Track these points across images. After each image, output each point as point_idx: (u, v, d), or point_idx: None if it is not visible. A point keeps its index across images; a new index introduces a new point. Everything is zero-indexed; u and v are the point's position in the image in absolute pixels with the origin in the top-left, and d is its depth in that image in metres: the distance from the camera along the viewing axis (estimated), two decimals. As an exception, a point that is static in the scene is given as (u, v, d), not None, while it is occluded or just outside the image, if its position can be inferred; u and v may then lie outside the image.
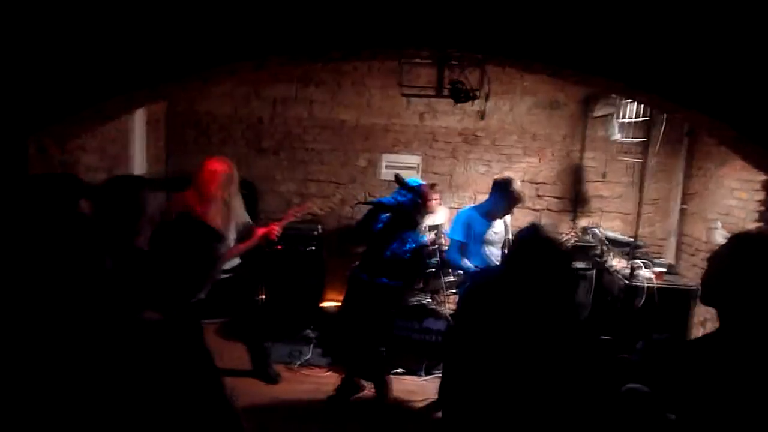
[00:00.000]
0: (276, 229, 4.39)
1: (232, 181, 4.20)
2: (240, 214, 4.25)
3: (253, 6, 2.55)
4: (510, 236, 4.59)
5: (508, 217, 4.57)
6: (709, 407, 1.72)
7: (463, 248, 4.37)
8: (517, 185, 4.28)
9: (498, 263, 4.35)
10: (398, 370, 4.86)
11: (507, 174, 4.54)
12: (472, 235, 4.34)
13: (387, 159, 6.45)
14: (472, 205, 4.59)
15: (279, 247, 5.32)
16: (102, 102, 2.71)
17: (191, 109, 6.42)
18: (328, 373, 4.90)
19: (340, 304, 5.49)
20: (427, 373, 4.85)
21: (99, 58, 2.61)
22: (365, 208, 4.55)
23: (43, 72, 2.61)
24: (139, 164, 5.60)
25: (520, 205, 4.47)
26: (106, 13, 2.57)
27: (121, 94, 2.70)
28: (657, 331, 4.27)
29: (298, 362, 5.08)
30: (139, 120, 5.55)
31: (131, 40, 2.59)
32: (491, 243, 4.39)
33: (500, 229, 4.47)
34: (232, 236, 4.18)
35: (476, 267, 4.31)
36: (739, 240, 1.90)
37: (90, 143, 4.34)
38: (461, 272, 4.62)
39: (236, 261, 4.40)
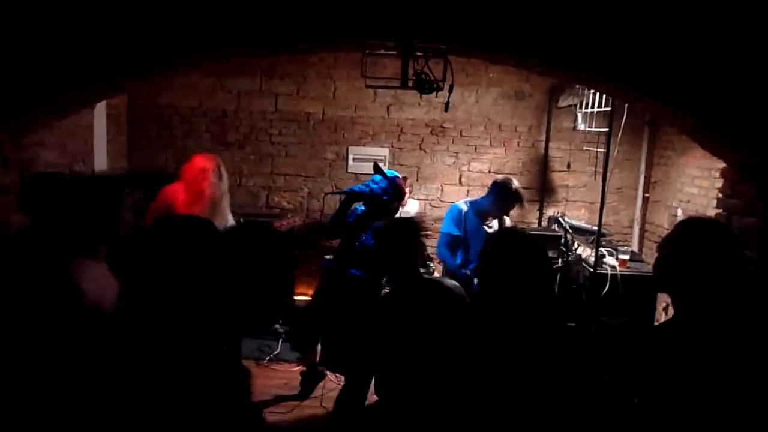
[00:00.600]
0: None
1: (222, 179, 4.05)
2: (226, 215, 4.09)
3: (214, -4, 2.50)
4: None
5: (506, 219, 4.47)
6: (668, 393, 1.75)
7: (454, 243, 4.25)
8: (517, 186, 4.18)
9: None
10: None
11: (508, 176, 4.42)
12: (465, 231, 4.22)
13: (354, 151, 6.43)
14: (465, 200, 4.46)
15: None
16: (59, 96, 2.62)
17: (153, 102, 6.29)
18: (297, 368, 4.87)
19: (309, 298, 5.49)
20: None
21: (55, 51, 2.52)
22: (333, 200, 4.52)
23: (-5, 65, 2.52)
24: (100, 160, 5.47)
25: (520, 207, 4.38)
26: (62, 4, 2.49)
27: (79, 87, 2.62)
28: (617, 317, 4.34)
29: (268, 357, 5.05)
30: (99, 114, 5.41)
31: (89, 32, 2.52)
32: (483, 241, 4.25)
33: (492, 228, 4.33)
34: None
35: (462, 266, 4.21)
36: (684, 225, 1.94)
37: (49, 139, 4.21)
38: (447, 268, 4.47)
39: None
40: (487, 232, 4.28)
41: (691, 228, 1.89)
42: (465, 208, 4.25)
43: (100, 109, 5.41)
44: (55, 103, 2.70)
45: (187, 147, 6.35)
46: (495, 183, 4.28)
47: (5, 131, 2.76)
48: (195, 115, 6.35)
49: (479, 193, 4.99)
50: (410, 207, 5.88)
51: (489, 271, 1.99)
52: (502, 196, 4.18)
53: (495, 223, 4.35)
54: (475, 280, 4.14)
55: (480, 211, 4.25)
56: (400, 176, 4.21)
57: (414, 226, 2.80)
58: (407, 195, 5.67)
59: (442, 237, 4.36)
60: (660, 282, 1.91)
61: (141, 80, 3.53)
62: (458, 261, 4.27)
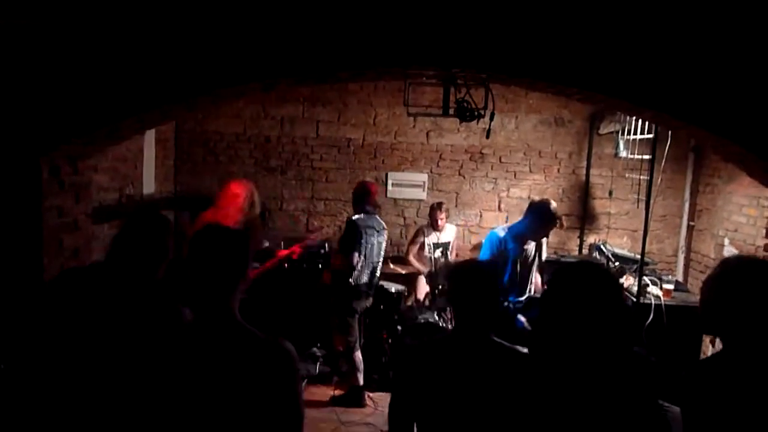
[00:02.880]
0: (298, 250, 4.44)
1: (253, 205, 4.22)
2: (258, 240, 4.26)
3: (261, 28, 2.60)
4: (543, 258, 4.45)
5: (544, 243, 4.42)
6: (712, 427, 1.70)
7: None
8: (553, 206, 4.12)
9: (527, 286, 4.25)
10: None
11: (545, 197, 4.38)
12: (505, 257, 4.10)
13: (394, 177, 6.49)
14: (502, 226, 4.43)
15: (285, 265, 5.35)
16: (115, 123, 2.76)
17: (200, 128, 6.50)
18: (336, 392, 4.89)
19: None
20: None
21: (112, 79, 2.66)
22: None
23: (57, 92, 2.67)
24: (148, 183, 5.66)
25: (558, 226, 4.34)
26: (118, 34, 2.63)
27: (133, 115, 2.75)
28: (661, 348, 4.20)
29: (305, 380, 5.08)
30: (149, 139, 5.62)
31: (143, 62, 2.65)
32: (522, 266, 4.18)
33: (531, 251, 4.28)
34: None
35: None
36: (726, 265, 1.85)
37: (101, 163, 4.39)
38: None
39: None
40: (528, 258, 4.23)
41: (733, 268, 1.81)
42: (503, 234, 4.17)
43: (150, 134, 5.62)
44: (110, 129, 2.83)
45: (231, 171, 6.52)
46: (531, 204, 4.21)
47: (62, 154, 2.90)
48: (239, 141, 6.53)
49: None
50: (448, 232, 5.88)
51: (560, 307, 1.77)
52: (539, 216, 4.09)
53: (532, 246, 4.27)
54: (520, 317, 4.10)
55: (517, 235, 4.16)
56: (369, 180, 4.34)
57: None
58: (443, 221, 5.71)
59: None
60: (706, 324, 1.86)
61: (189, 108, 3.68)
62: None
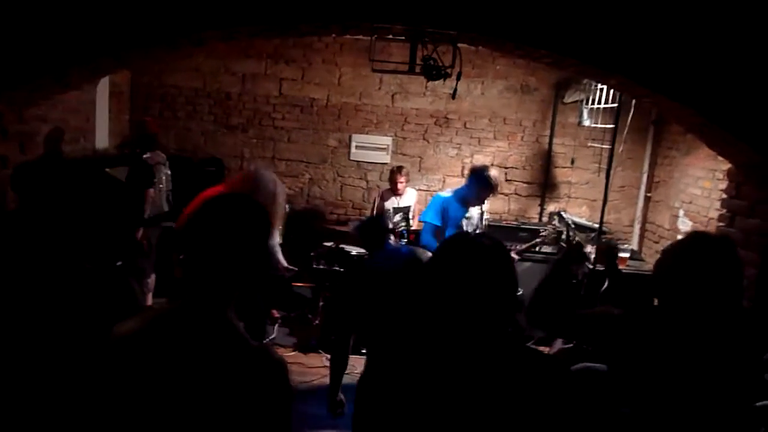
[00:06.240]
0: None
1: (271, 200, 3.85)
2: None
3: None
4: (485, 223, 4.58)
5: (486, 204, 4.55)
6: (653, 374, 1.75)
7: (437, 232, 4.33)
8: (493, 173, 4.25)
9: None
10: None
11: (483, 163, 4.54)
12: (446, 219, 4.28)
13: (357, 139, 6.40)
14: (449, 189, 4.55)
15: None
16: (62, 69, 2.60)
17: (157, 82, 6.25)
18: (293, 353, 4.87)
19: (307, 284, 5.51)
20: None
21: (59, 23, 2.49)
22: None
23: (0, 35, 2.49)
24: (102, 137, 5.44)
25: (494, 194, 4.45)
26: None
27: (82, 61, 2.60)
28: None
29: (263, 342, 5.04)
30: (102, 91, 5.37)
31: (94, 5, 2.49)
32: (464, 227, 4.35)
33: (475, 215, 4.45)
34: None
35: None
36: (694, 239, 1.91)
37: (50, 114, 4.17)
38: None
39: None
40: (468, 218, 4.37)
41: (699, 244, 1.85)
42: (447, 198, 4.33)
43: (103, 86, 5.38)
44: (57, 75, 2.67)
45: (189, 128, 6.32)
46: (472, 169, 4.36)
47: (6, 102, 2.74)
48: (198, 97, 6.31)
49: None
50: (408, 196, 5.86)
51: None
52: (477, 181, 4.23)
53: (474, 211, 4.41)
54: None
55: (461, 199, 4.32)
56: None
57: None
58: (403, 185, 5.69)
59: (425, 226, 4.41)
60: (655, 287, 1.89)
61: (145, 57, 3.51)
62: None
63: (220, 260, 1.35)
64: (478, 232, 4.42)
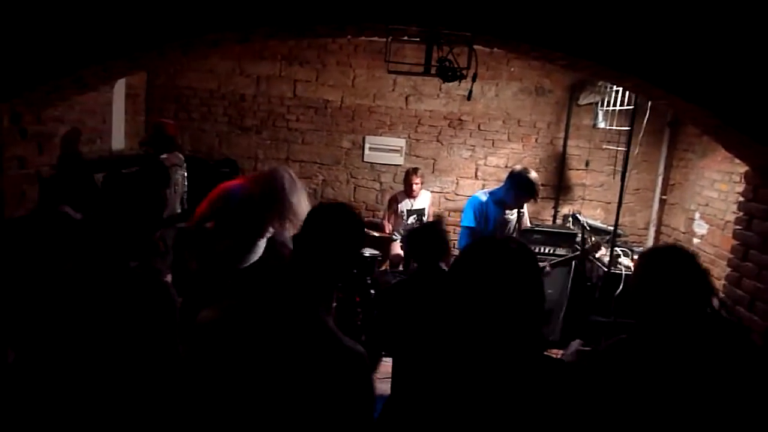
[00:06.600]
0: None
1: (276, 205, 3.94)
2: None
3: (237, -25, 2.48)
4: (524, 226, 4.39)
5: (525, 210, 4.32)
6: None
7: (474, 235, 4.08)
8: (533, 176, 4.02)
9: None
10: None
11: (525, 167, 4.29)
12: (487, 221, 4.08)
13: (371, 141, 6.40)
14: (484, 190, 4.31)
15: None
16: (79, 70, 2.62)
17: (172, 83, 6.30)
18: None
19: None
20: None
21: (77, 25, 2.52)
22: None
23: (20, 36, 2.52)
24: (117, 138, 5.49)
25: (535, 199, 4.24)
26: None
27: (99, 62, 2.62)
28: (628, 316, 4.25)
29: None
30: (118, 93, 5.43)
31: (111, 7, 2.51)
32: (502, 231, 4.14)
33: (512, 217, 4.21)
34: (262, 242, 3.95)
35: None
36: (645, 257, 1.92)
37: (68, 115, 4.22)
38: None
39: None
40: (507, 222, 4.18)
41: (650, 260, 1.88)
42: (484, 198, 4.13)
43: (120, 88, 5.43)
44: (74, 76, 2.70)
45: (204, 130, 6.36)
46: (512, 173, 4.12)
47: (25, 103, 2.77)
48: (213, 98, 6.36)
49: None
50: (423, 198, 5.85)
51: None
52: (517, 186, 4.03)
53: (513, 214, 4.22)
54: None
55: (498, 201, 4.11)
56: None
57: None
58: (418, 186, 5.66)
59: (463, 231, 4.20)
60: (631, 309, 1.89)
61: (160, 58, 3.53)
62: None
63: (323, 262, 1.52)
64: (510, 235, 4.19)
